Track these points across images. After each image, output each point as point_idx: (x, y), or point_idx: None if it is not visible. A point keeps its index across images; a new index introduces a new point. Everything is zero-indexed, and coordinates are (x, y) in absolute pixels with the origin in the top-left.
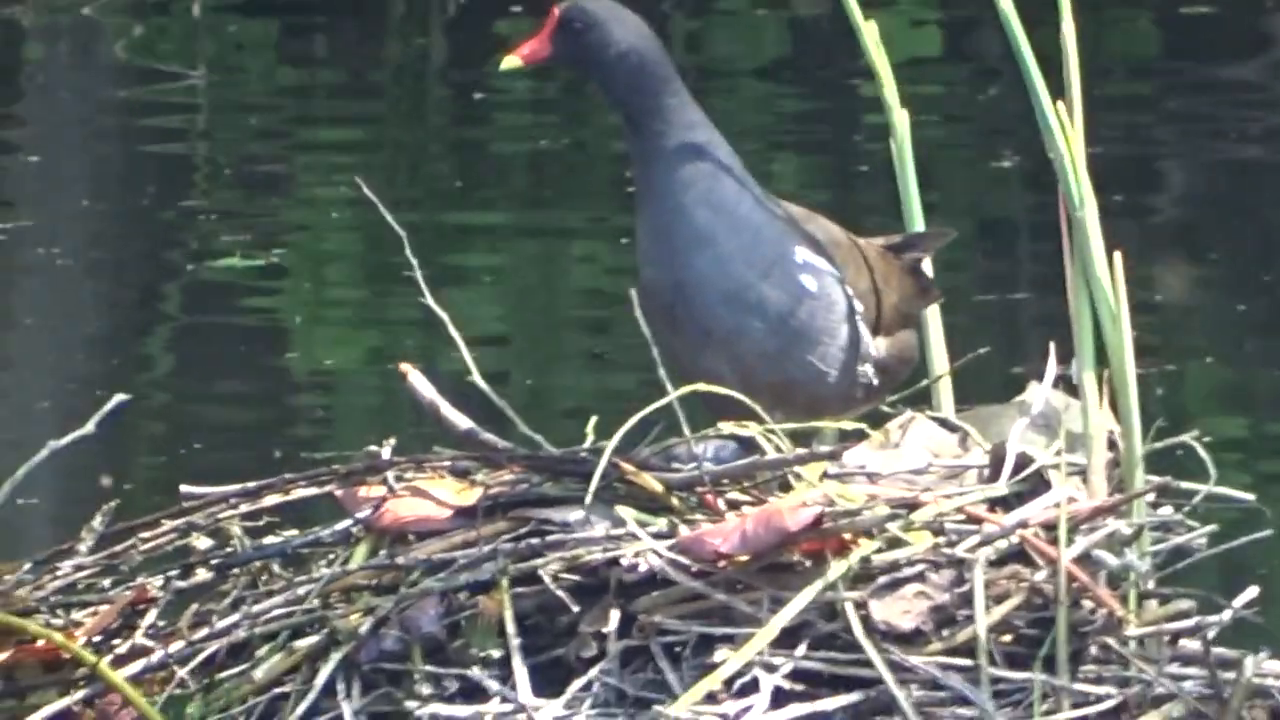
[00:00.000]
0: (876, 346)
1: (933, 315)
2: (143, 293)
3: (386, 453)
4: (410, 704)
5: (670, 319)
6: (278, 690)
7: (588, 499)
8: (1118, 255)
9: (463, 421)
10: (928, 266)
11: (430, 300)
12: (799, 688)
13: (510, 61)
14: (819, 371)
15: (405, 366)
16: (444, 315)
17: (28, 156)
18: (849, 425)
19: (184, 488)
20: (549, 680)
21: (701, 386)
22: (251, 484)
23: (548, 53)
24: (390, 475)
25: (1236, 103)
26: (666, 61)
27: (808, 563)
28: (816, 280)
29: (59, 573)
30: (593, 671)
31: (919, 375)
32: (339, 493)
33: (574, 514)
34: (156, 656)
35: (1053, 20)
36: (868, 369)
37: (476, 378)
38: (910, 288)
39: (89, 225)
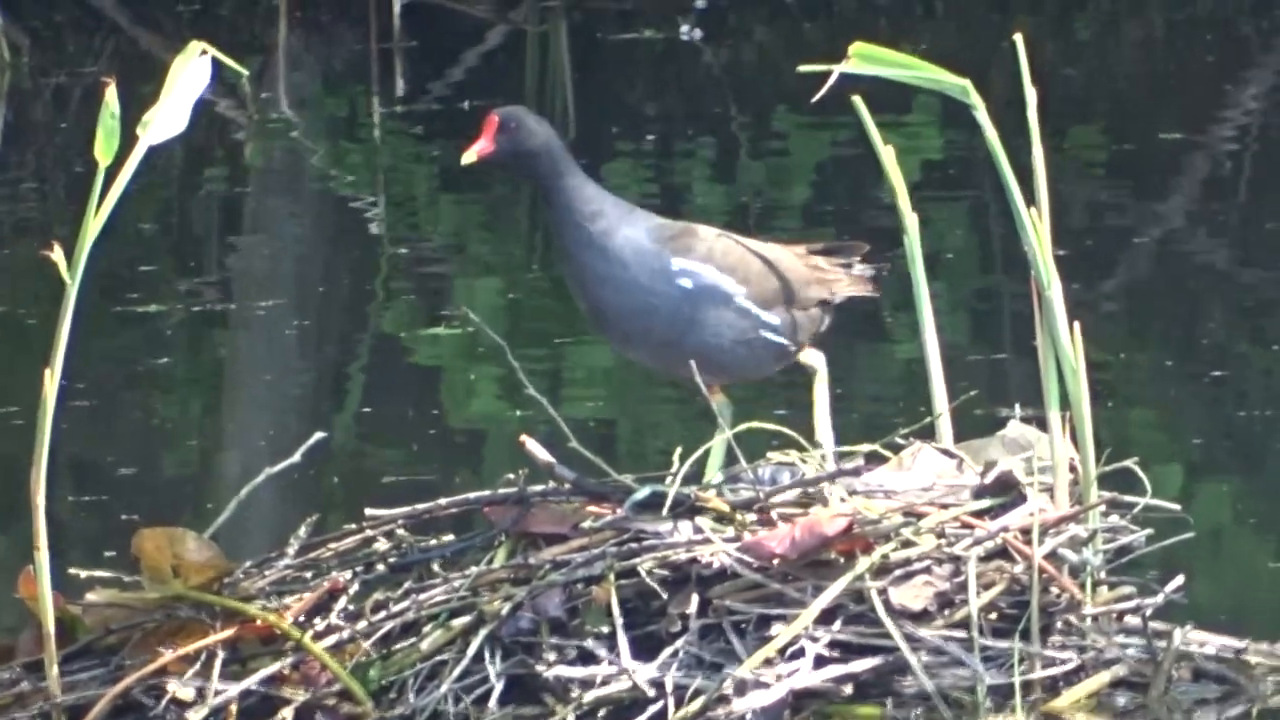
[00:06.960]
0: (772, 316)
1: (935, 370)
2: (345, 354)
3: (521, 482)
4: (540, 668)
5: (602, 331)
6: (439, 658)
7: (664, 516)
8: (1076, 325)
9: (569, 475)
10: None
11: (532, 390)
12: (835, 654)
13: (469, 157)
14: (715, 345)
15: (524, 438)
16: (543, 400)
17: (271, 253)
18: (867, 448)
19: (368, 510)
20: (645, 649)
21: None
22: (419, 505)
23: (493, 149)
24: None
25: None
26: (566, 151)
27: (841, 560)
28: (692, 280)
29: (273, 569)
30: (679, 642)
31: (927, 414)
32: (486, 509)
33: (664, 525)
34: (347, 632)
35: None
36: (768, 335)
37: (575, 442)
38: (810, 274)
39: (321, 306)
